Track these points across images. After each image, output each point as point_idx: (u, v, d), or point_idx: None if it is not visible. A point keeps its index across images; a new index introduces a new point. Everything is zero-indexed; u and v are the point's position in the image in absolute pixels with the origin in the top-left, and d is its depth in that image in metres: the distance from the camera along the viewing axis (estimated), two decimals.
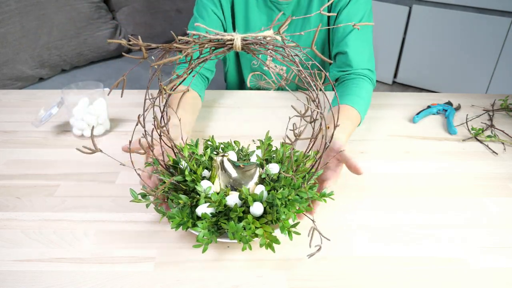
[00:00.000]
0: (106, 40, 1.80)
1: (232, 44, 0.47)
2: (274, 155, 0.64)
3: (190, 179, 0.57)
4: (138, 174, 0.55)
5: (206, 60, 0.47)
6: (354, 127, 0.76)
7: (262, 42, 0.47)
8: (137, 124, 0.50)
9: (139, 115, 0.50)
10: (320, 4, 0.90)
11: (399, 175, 0.74)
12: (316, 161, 0.57)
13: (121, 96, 0.51)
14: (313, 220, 0.48)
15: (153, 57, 0.49)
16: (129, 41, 0.46)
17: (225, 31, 0.97)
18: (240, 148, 0.68)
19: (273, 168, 0.60)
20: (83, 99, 0.83)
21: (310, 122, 0.50)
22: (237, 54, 1.06)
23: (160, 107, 0.55)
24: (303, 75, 0.48)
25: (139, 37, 0.48)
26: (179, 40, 0.47)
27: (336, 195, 0.67)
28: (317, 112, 0.50)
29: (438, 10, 2.17)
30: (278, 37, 0.48)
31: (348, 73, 0.89)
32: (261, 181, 0.59)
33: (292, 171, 0.57)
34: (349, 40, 0.87)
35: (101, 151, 0.47)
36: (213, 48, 0.48)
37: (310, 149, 0.58)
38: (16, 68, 1.57)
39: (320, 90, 0.50)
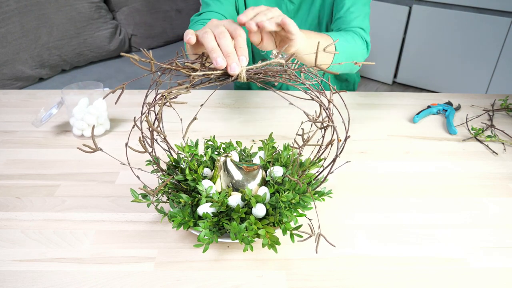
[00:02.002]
0: (107, 40, 1.81)
1: (238, 76, 0.50)
2: (277, 158, 0.64)
3: (191, 178, 0.57)
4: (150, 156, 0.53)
5: (209, 83, 0.49)
6: (319, 38, 0.74)
7: (267, 72, 0.50)
8: (133, 127, 0.50)
9: (135, 118, 0.50)
10: None
11: (399, 175, 0.74)
12: (324, 168, 0.57)
13: (115, 103, 0.51)
14: (319, 226, 0.48)
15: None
16: (139, 49, 0.47)
17: (237, 13, 0.97)
18: (242, 148, 0.68)
19: (277, 171, 0.60)
20: (83, 99, 0.83)
21: (321, 128, 0.51)
22: (251, 49, 1.08)
23: (154, 111, 0.55)
24: (311, 92, 0.49)
25: (150, 51, 0.49)
26: (184, 64, 0.49)
27: (336, 194, 0.67)
28: (328, 120, 0.50)
29: (438, 10, 2.17)
30: (282, 61, 0.50)
31: (343, 28, 0.94)
32: (264, 182, 0.59)
33: (298, 176, 0.57)
34: (345, 4, 0.92)
35: (101, 149, 0.47)
36: (218, 77, 0.50)
37: (318, 158, 0.58)
38: (16, 68, 1.57)
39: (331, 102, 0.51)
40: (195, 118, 0.53)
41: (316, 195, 0.58)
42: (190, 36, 0.53)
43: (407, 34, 2.33)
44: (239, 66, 0.49)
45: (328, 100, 0.50)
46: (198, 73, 0.48)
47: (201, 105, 0.57)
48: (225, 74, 0.50)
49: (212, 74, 0.49)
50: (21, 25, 1.56)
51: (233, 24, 0.54)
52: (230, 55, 0.49)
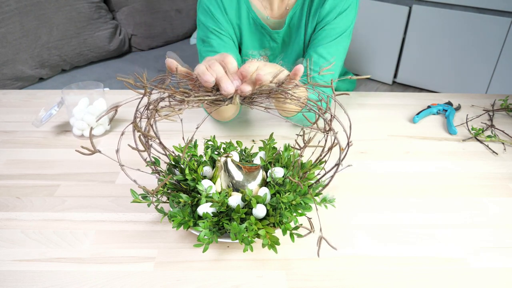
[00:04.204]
0: (107, 40, 1.81)
1: (231, 99, 0.51)
2: (278, 158, 0.63)
3: (191, 178, 0.57)
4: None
5: (203, 102, 0.49)
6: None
7: (260, 92, 0.51)
8: (122, 134, 0.50)
9: (133, 121, 0.50)
10: (308, 26, 0.89)
11: (399, 175, 0.74)
12: (326, 172, 0.57)
13: (108, 125, 0.51)
14: (320, 229, 0.48)
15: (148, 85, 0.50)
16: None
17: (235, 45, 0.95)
18: (242, 148, 0.68)
19: (278, 172, 0.60)
20: (83, 99, 0.83)
21: (324, 132, 0.51)
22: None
23: (147, 114, 0.55)
24: (308, 107, 0.50)
25: (145, 73, 0.50)
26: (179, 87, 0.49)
27: (336, 195, 0.67)
28: (329, 129, 0.50)
29: (438, 10, 2.17)
30: (272, 84, 0.51)
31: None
32: (264, 183, 0.59)
33: (299, 177, 0.57)
34: (320, 47, 0.87)
35: (99, 151, 0.47)
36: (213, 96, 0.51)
37: (319, 160, 0.58)
38: (16, 68, 1.57)
39: (327, 112, 0.51)
40: (191, 141, 0.55)
41: (317, 198, 0.57)
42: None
43: (407, 34, 2.33)
44: (232, 86, 0.49)
45: (325, 110, 0.51)
46: (192, 98, 0.48)
47: (197, 127, 0.58)
48: (219, 99, 0.51)
49: (205, 98, 0.49)
50: (21, 25, 1.56)
51: (222, 55, 0.55)
52: (222, 77, 0.50)
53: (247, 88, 0.50)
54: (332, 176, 0.53)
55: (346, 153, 0.52)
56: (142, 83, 0.49)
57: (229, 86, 0.49)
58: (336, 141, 0.49)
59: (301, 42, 0.91)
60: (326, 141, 0.56)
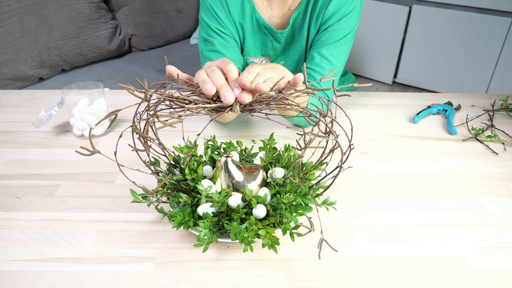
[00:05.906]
0: (107, 40, 1.81)
1: (232, 108, 0.51)
2: (278, 159, 0.63)
3: (191, 178, 0.57)
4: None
5: (204, 109, 0.50)
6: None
7: (260, 100, 0.51)
8: (120, 136, 0.50)
9: (132, 124, 0.50)
10: (311, 27, 0.89)
11: (399, 175, 0.74)
12: (327, 174, 0.57)
13: (108, 128, 0.51)
14: (321, 231, 0.48)
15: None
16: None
17: (239, 45, 0.95)
18: (243, 148, 0.68)
19: (279, 172, 0.60)
20: (83, 99, 0.83)
21: (324, 133, 0.51)
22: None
23: (147, 116, 0.55)
24: (308, 113, 0.50)
25: (145, 80, 0.50)
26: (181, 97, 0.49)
27: (336, 195, 0.67)
28: (330, 132, 0.50)
29: (438, 10, 2.17)
30: (272, 93, 0.51)
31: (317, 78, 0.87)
32: (264, 183, 0.59)
33: (299, 178, 0.57)
34: (322, 48, 0.86)
35: (99, 152, 0.47)
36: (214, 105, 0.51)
37: (320, 162, 0.59)
38: (16, 68, 1.57)
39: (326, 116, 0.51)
40: (196, 145, 0.55)
41: (318, 199, 0.57)
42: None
43: (407, 34, 2.33)
44: (233, 95, 0.49)
45: (325, 114, 0.51)
46: (192, 105, 0.48)
47: (198, 134, 0.58)
48: (219, 107, 0.51)
49: (206, 106, 0.49)
50: (21, 25, 1.56)
51: (224, 61, 0.55)
52: (222, 86, 0.50)
53: (247, 97, 0.50)
54: (335, 177, 0.53)
55: (348, 156, 0.52)
56: (143, 88, 0.49)
57: (229, 96, 0.49)
58: (337, 144, 0.49)
59: (303, 43, 0.91)
60: (327, 143, 0.56)
